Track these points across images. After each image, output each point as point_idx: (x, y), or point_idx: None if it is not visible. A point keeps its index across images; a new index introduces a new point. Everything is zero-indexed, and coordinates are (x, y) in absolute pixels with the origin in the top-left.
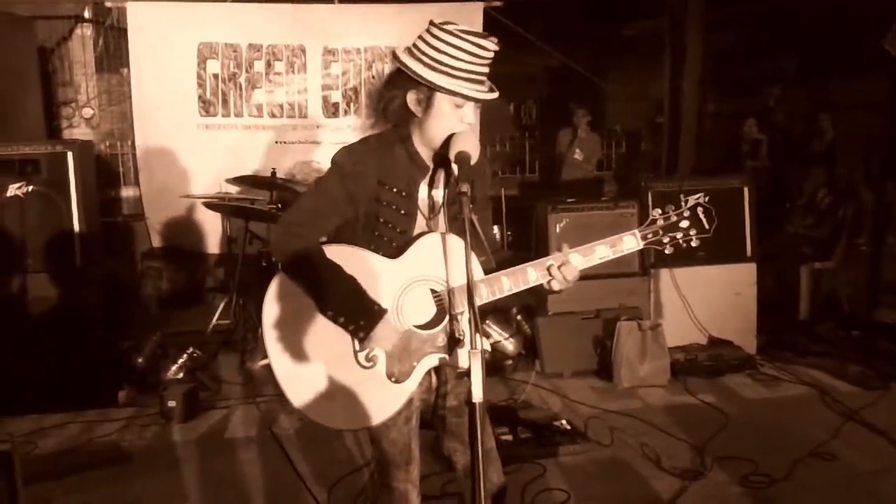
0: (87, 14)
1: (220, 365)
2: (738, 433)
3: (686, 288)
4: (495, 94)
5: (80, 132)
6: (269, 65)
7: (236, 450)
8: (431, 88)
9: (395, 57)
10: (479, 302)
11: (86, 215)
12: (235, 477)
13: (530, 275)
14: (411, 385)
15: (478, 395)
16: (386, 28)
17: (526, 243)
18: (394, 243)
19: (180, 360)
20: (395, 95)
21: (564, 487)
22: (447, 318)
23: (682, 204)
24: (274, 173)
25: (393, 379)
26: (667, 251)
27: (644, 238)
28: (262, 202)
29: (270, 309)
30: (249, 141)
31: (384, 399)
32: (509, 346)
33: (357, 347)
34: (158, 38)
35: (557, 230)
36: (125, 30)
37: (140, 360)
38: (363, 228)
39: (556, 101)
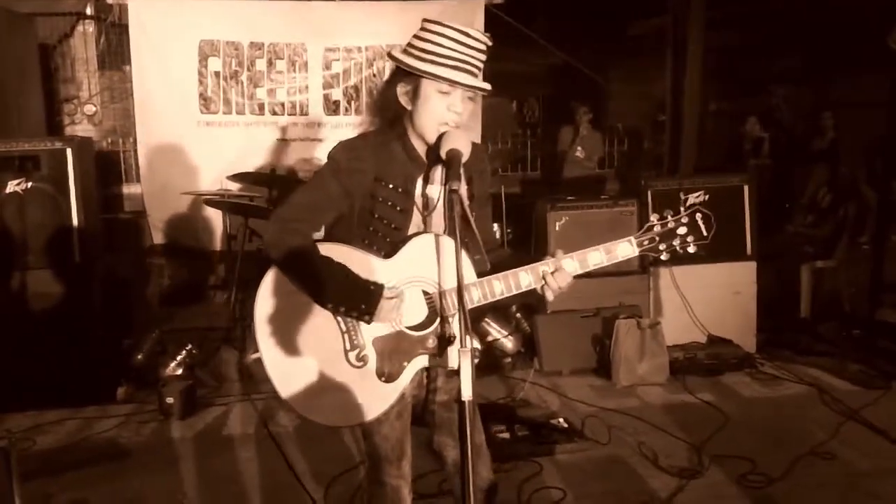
0: (89, 11)
1: (219, 362)
2: (737, 432)
3: (686, 286)
4: (485, 85)
5: (83, 129)
6: (270, 63)
7: (234, 447)
8: (418, 77)
9: (389, 55)
10: (469, 305)
11: (85, 212)
12: (233, 474)
13: (523, 279)
14: (402, 384)
15: (467, 394)
16: (387, 26)
17: (526, 241)
18: (388, 239)
19: (179, 357)
20: (388, 90)
21: (561, 485)
22: (438, 319)
23: (681, 209)
24: (273, 170)
25: (383, 378)
26: (663, 258)
27: (640, 245)
28: (262, 199)
29: (263, 304)
30: (251, 138)
31: (374, 397)
32: (508, 343)
33: (348, 347)
34: (160, 35)
35: (557, 228)
36: (127, 26)
37: (139, 357)
38: (357, 224)
39: (559, 98)
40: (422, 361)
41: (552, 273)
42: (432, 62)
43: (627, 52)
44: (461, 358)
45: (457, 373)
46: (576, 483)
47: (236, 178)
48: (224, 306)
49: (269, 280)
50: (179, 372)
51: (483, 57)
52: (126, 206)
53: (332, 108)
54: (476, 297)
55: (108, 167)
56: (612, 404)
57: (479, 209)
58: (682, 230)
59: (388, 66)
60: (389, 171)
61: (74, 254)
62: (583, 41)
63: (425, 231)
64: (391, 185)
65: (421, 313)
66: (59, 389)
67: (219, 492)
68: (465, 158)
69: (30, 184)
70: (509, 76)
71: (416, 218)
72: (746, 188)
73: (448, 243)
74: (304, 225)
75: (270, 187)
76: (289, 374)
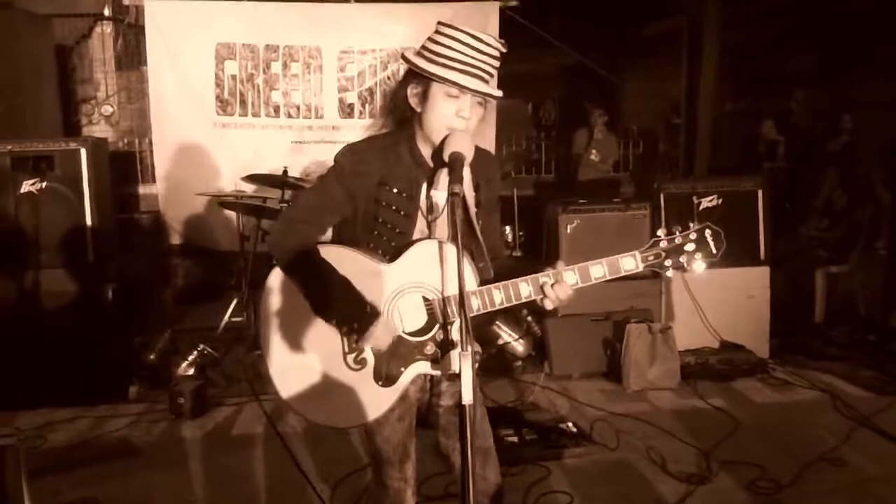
0: (107, 12)
1: (231, 362)
2: (747, 438)
3: (698, 290)
4: (495, 92)
5: (100, 129)
6: (285, 66)
7: (244, 447)
8: (428, 80)
9: (402, 56)
10: (469, 313)
11: (99, 211)
12: (242, 474)
13: (523, 290)
14: (399, 388)
15: (468, 398)
16: (402, 28)
17: (539, 244)
18: (392, 243)
19: (191, 357)
20: (399, 91)
21: (568, 490)
22: (437, 326)
23: (690, 224)
24: (285, 172)
25: (380, 382)
26: (668, 274)
27: (644, 260)
28: (275, 200)
29: (268, 301)
30: (266, 140)
31: (372, 399)
32: (519, 347)
33: (346, 349)
34: (176, 37)
35: (568, 231)
36: (144, 27)
37: (151, 357)
38: (362, 227)
39: (574, 100)
40: (419, 368)
41: (552, 285)
42: (443, 65)
43: (642, 53)
44: (462, 362)
45: (458, 377)
46: (583, 487)
47: (250, 179)
48: (236, 307)
49: (275, 279)
50: (191, 372)
51: (496, 63)
52: (142, 206)
53: (347, 110)
54: (475, 306)
55: (124, 167)
56: (622, 409)
57: (487, 216)
58: (689, 246)
59: (402, 68)
60: (394, 175)
61: (88, 253)
62: (598, 42)
63: (430, 236)
64: (395, 190)
65: (420, 319)
66: (70, 388)
67: (227, 491)
68: (468, 161)
69: (44, 184)
70: (524, 77)
71: (421, 223)
72: (760, 192)
73: (451, 250)
74: (307, 226)
75: (282, 188)
76: (290, 374)
